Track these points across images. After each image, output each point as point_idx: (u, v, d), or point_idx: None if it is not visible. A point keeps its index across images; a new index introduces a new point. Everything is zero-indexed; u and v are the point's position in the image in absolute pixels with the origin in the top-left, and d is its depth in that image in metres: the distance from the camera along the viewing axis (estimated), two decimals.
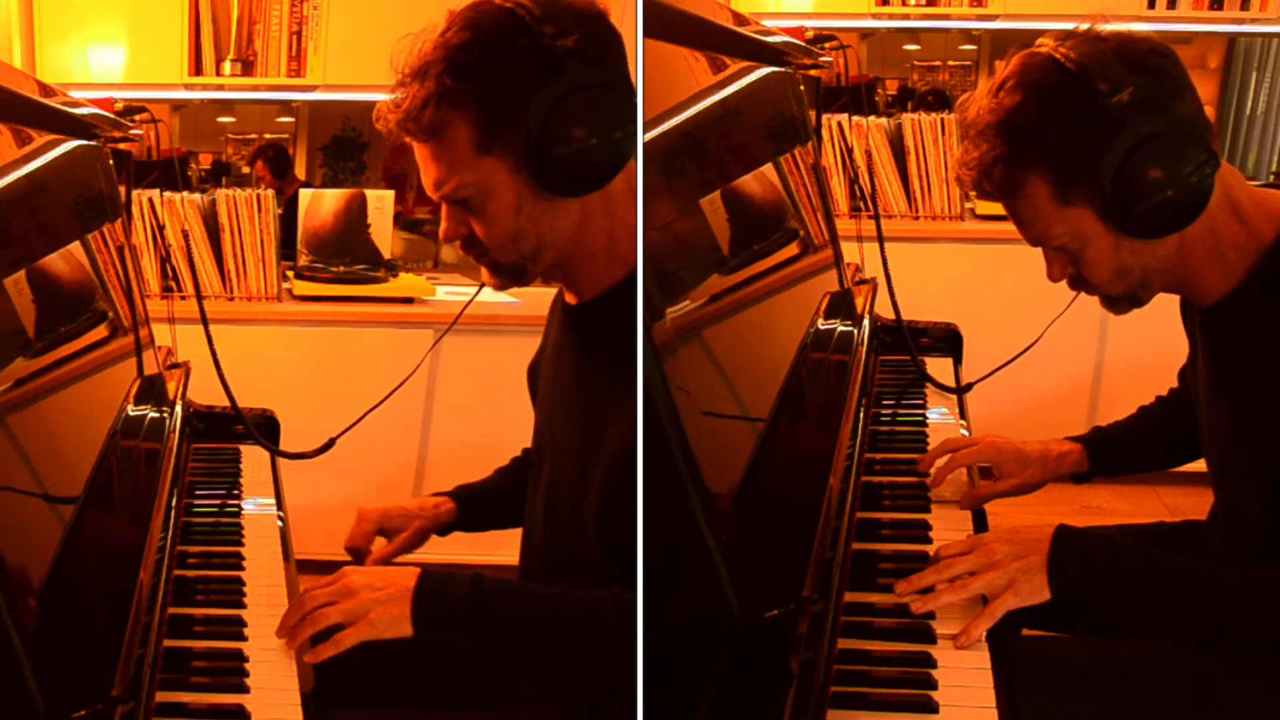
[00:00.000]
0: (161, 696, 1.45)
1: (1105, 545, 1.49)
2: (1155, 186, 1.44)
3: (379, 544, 1.80)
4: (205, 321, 1.98)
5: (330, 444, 1.96)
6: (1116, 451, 1.92)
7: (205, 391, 2.11)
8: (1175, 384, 1.94)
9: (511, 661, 1.53)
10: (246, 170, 4.04)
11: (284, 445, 2.17)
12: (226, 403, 2.06)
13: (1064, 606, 1.50)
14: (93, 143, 2.01)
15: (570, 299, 1.57)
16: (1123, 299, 1.58)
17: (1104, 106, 1.43)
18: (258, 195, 3.54)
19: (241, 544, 1.86)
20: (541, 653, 1.48)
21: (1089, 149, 1.44)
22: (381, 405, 1.97)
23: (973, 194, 1.51)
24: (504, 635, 1.47)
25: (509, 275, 1.50)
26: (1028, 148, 1.47)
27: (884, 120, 3.78)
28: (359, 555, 1.79)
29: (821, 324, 1.93)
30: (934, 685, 1.39)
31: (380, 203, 3.62)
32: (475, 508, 1.83)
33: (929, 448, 1.99)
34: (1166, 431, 1.92)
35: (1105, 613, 1.48)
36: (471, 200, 1.44)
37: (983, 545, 1.51)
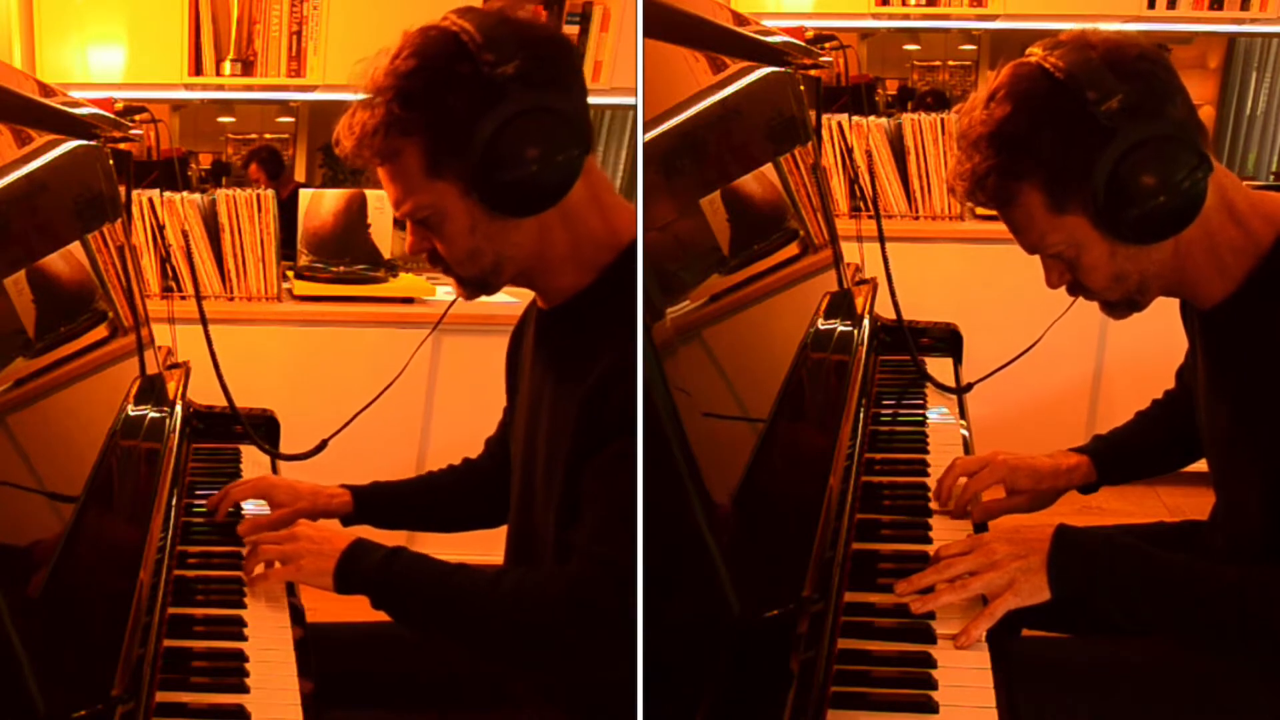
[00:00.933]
0: (161, 696, 1.45)
1: (1105, 545, 1.49)
2: (1148, 192, 1.44)
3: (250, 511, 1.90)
4: (204, 322, 1.98)
5: (322, 445, 1.98)
6: (1122, 460, 1.91)
7: (205, 391, 2.11)
8: (1173, 384, 1.94)
9: (414, 626, 1.62)
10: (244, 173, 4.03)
11: (284, 445, 2.17)
12: (226, 403, 2.07)
13: (1064, 606, 1.50)
14: (93, 143, 2.01)
15: (541, 304, 1.61)
16: (1121, 304, 1.58)
17: (1093, 115, 1.43)
18: (258, 195, 3.54)
19: (241, 544, 1.86)
20: (434, 620, 1.57)
21: (1080, 157, 1.44)
22: (381, 404, 1.97)
23: (967, 203, 1.51)
24: (405, 602, 1.57)
25: (474, 288, 1.55)
26: (1019, 158, 1.47)
27: (884, 120, 3.78)
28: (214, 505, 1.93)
29: (821, 324, 1.93)
30: (934, 685, 1.39)
31: (380, 203, 3.61)
32: (373, 504, 1.87)
33: (929, 448, 1.99)
34: (1169, 433, 1.91)
35: (1105, 613, 1.48)
36: (429, 220, 1.48)
37: (982, 545, 1.51)
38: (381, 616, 1.67)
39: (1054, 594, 1.47)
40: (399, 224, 3.72)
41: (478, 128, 1.40)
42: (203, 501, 1.94)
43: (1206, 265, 1.54)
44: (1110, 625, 1.53)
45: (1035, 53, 1.49)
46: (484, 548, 1.88)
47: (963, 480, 1.80)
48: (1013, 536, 1.51)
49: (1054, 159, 1.46)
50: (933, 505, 1.80)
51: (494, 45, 1.40)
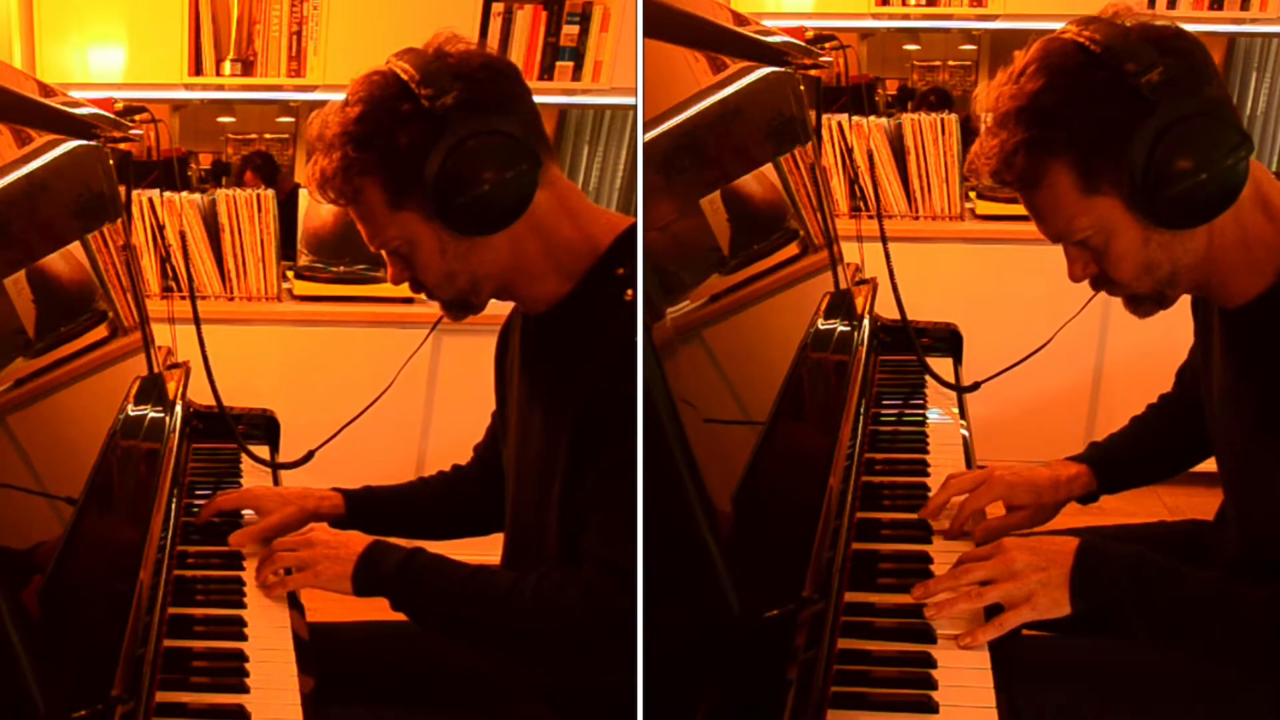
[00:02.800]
0: (161, 696, 1.45)
1: (1132, 563, 1.45)
2: (1188, 171, 1.37)
3: (251, 516, 1.89)
4: (198, 324, 1.99)
5: (310, 456, 2.00)
6: (1123, 468, 1.86)
7: (206, 391, 2.11)
8: (1172, 385, 1.92)
9: (434, 629, 1.65)
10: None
11: (284, 445, 2.17)
12: (227, 403, 2.07)
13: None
14: (93, 143, 2.01)
15: (525, 311, 1.65)
16: (1149, 298, 1.51)
17: (1133, 87, 1.37)
18: (258, 195, 3.54)
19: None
20: (455, 623, 1.60)
21: (1117, 132, 1.38)
22: (381, 405, 1.97)
23: (980, 185, 1.47)
24: (424, 605, 1.60)
25: (458, 309, 1.62)
26: (1052, 133, 1.41)
27: (884, 120, 3.78)
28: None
29: (821, 324, 1.93)
30: (934, 685, 1.39)
31: None
32: (365, 508, 1.87)
33: (929, 448, 1.98)
34: (1171, 439, 1.87)
35: (1129, 630, 1.45)
36: (400, 251, 1.56)
37: (1002, 552, 1.47)
38: (381, 616, 1.68)
39: (1075, 610, 1.43)
40: None
41: (427, 158, 1.48)
42: (202, 502, 1.94)
43: (1239, 260, 1.48)
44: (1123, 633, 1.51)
45: (1069, 29, 1.43)
46: (481, 550, 1.88)
47: (958, 499, 1.74)
48: (1035, 546, 1.47)
49: (1089, 134, 1.40)
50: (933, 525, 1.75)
51: (431, 80, 1.48)
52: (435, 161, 1.47)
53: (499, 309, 1.70)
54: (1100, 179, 1.41)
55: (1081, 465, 1.84)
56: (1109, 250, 1.46)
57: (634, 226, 1.56)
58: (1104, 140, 1.39)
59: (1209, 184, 1.39)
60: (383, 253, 1.59)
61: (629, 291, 1.50)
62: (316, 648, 1.59)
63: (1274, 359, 1.50)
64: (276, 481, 2.06)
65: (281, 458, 2.13)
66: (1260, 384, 1.53)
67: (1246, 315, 1.52)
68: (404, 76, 1.49)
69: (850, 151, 3.62)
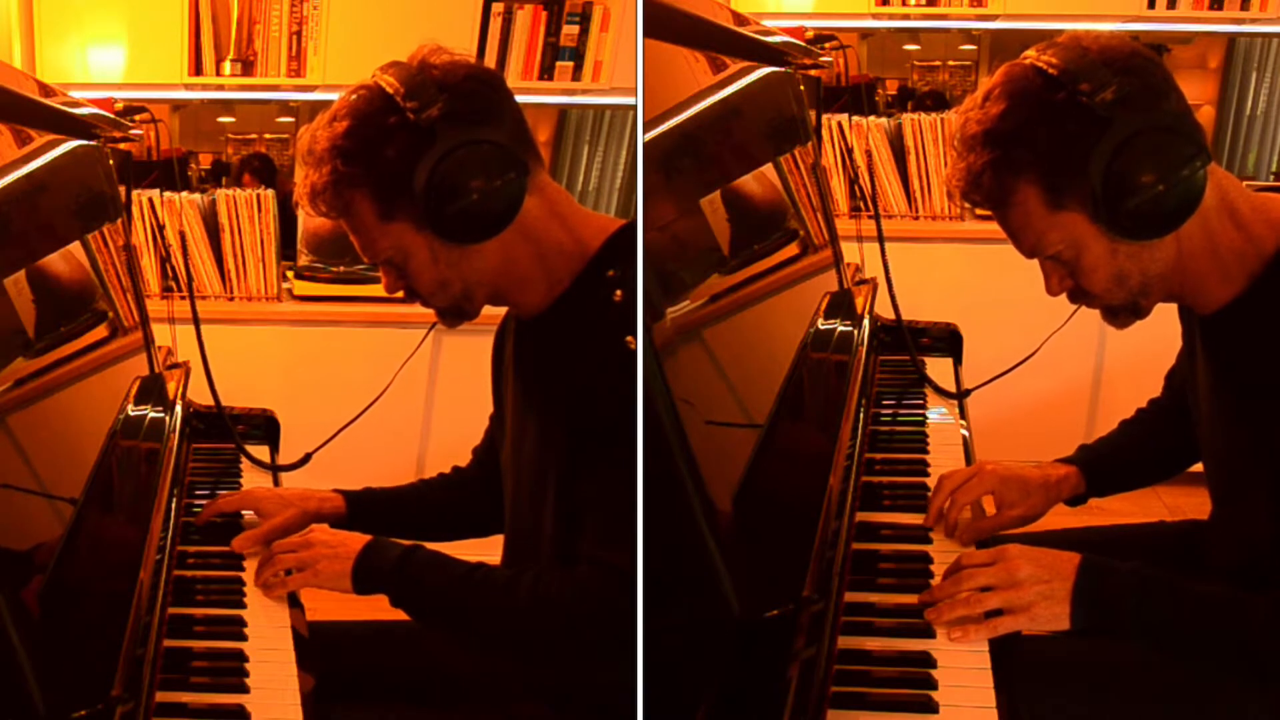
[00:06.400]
0: (161, 696, 1.45)
1: (1133, 581, 1.45)
2: (1146, 183, 1.42)
3: (251, 518, 1.89)
4: (198, 324, 1.99)
5: (307, 458, 2.01)
6: (1112, 471, 1.87)
7: (206, 392, 2.11)
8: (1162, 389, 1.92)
9: (432, 625, 1.66)
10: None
11: (284, 445, 2.17)
12: (226, 403, 2.07)
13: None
14: (93, 143, 2.01)
15: (519, 315, 1.66)
16: (1124, 309, 1.55)
17: (1088, 106, 1.42)
18: (258, 195, 3.54)
19: None
20: (456, 618, 1.60)
21: (1077, 149, 1.43)
22: (381, 405, 1.97)
23: (965, 205, 1.51)
24: (422, 601, 1.61)
25: (452, 316, 1.63)
26: (1016, 153, 1.46)
27: (884, 120, 3.78)
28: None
29: (821, 324, 1.93)
30: (934, 685, 1.39)
31: None
32: (366, 510, 1.88)
33: (929, 448, 1.98)
34: (1160, 443, 1.88)
35: (1132, 644, 1.45)
36: (394, 261, 1.58)
37: (1005, 559, 1.47)
38: (381, 615, 1.68)
39: (1074, 626, 1.43)
40: None
41: (415, 170, 1.49)
42: (202, 502, 1.94)
43: (1208, 268, 1.51)
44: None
45: (1030, 54, 1.49)
46: (482, 551, 1.88)
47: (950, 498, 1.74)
48: (1038, 557, 1.47)
49: (1050, 152, 1.45)
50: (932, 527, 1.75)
51: (416, 93, 1.49)
52: (424, 173, 1.49)
53: (497, 310, 1.70)
54: (1064, 195, 1.46)
55: (1071, 467, 1.85)
56: (1080, 263, 1.51)
57: (625, 229, 1.58)
58: (1065, 157, 1.44)
59: (1168, 195, 1.43)
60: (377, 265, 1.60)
61: (619, 293, 1.51)
62: (316, 647, 1.59)
63: (1247, 365, 1.53)
64: (276, 482, 2.07)
65: (282, 457, 2.13)
66: (1236, 389, 1.56)
67: (1220, 322, 1.55)
68: (389, 90, 1.51)
69: (850, 151, 3.62)
